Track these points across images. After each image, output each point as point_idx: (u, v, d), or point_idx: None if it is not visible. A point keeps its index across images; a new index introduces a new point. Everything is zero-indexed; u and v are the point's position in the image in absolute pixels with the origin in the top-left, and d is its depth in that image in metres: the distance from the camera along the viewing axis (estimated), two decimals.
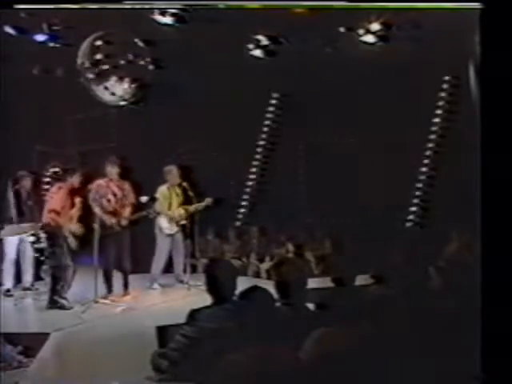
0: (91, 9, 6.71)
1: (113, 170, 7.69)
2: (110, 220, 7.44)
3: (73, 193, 7.14)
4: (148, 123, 9.81)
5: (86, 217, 7.31)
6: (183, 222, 8.31)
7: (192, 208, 8.30)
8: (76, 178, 7.19)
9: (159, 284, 8.23)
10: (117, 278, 7.70)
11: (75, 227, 6.98)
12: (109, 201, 7.56)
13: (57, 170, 7.42)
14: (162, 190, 8.36)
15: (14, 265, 7.88)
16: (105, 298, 7.34)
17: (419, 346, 2.81)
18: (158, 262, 8.26)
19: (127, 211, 7.70)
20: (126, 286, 7.75)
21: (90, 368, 4.85)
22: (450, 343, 2.86)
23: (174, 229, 8.29)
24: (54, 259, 7.09)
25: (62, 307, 6.90)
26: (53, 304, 6.93)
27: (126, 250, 7.68)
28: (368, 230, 9.17)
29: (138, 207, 7.97)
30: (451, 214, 8.40)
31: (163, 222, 8.25)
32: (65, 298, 6.99)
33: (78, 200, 7.14)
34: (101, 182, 7.62)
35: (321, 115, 9.78)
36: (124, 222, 7.58)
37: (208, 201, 8.42)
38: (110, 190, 7.62)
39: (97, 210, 7.38)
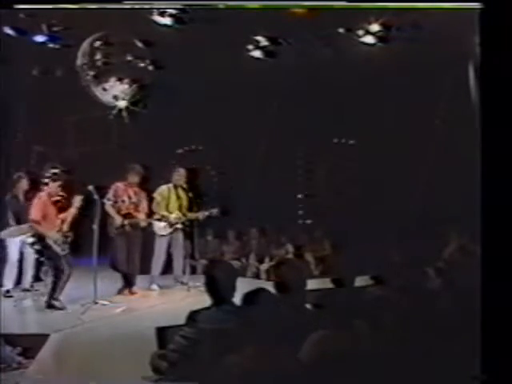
0: (91, 9, 6.70)
1: (134, 178, 7.94)
2: (122, 220, 7.68)
3: (53, 201, 7.12)
4: (147, 124, 9.81)
5: (77, 223, 7.34)
6: (178, 225, 8.30)
7: (193, 216, 8.30)
8: (53, 186, 7.15)
9: (158, 285, 8.22)
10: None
11: (56, 236, 6.98)
12: (123, 201, 7.81)
13: (56, 171, 7.41)
14: (161, 190, 8.37)
15: (15, 266, 7.87)
16: (120, 292, 7.71)
17: (419, 347, 2.81)
18: (157, 263, 8.26)
19: (142, 218, 7.95)
20: (131, 285, 7.89)
21: (89, 369, 4.85)
22: (449, 344, 2.85)
23: (168, 230, 8.27)
24: (48, 263, 7.23)
25: (58, 308, 6.95)
26: (49, 306, 6.96)
27: (137, 252, 7.89)
28: (368, 230, 9.17)
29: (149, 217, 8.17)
30: (451, 214, 8.40)
31: (158, 223, 8.25)
32: (58, 300, 7.00)
33: (70, 210, 7.12)
34: (119, 184, 7.91)
35: (320, 116, 9.79)
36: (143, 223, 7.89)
37: (213, 212, 8.42)
38: (126, 193, 7.88)
39: (110, 209, 7.65)
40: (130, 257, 7.81)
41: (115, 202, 7.73)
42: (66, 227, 7.08)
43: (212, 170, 10.85)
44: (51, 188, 7.14)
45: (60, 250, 7.01)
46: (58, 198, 7.16)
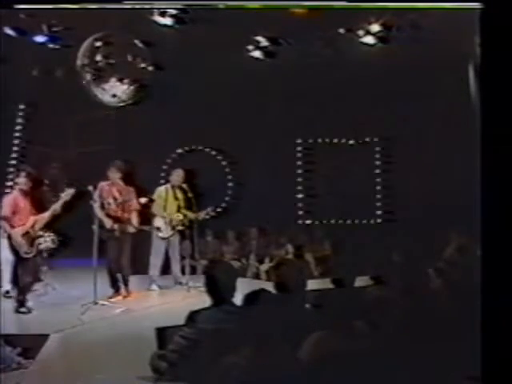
0: (91, 9, 6.71)
1: (115, 175, 7.65)
2: (111, 224, 7.40)
3: (24, 196, 6.93)
4: (147, 124, 9.80)
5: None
6: (180, 227, 8.25)
7: (193, 216, 8.26)
8: (21, 179, 6.98)
9: (158, 285, 8.21)
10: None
11: (19, 238, 6.77)
12: (109, 204, 7.52)
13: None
14: (159, 191, 8.32)
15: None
16: (110, 298, 7.39)
17: (419, 347, 2.80)
18: (155, 264, 8.23)
19: (133, 217, 7.68)
20: (126, 286, 7.71)
21: (89, 369, 4.84)
22: (449, 344, 2.85)
23: (169, 232, 8.24)
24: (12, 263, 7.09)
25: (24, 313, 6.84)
26: (17, 312, 6.86)
27: (126, 254, 7.63)
28: (368, 231, 9.17)
29: (142, 213, 7.93)
30: (451, 214, 8.39)
31: (159, 224, 8.22)
32: (24, 306, 6.88)
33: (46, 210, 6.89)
34: (103, 184, 7.60)
35: (320, 116, 9.78)
36: (131, 229, 7.58)
37: (208, 210, 8.42)
38: (111, 194, 7.58)
39: (98, 211, 7.30)
40: (120, 258, 7.55)
41: (101, 203, 7.39)
42: (38, 227, 6.83)
43: (211, 170, 10.83)
44: (20, 183, 6.96)
45: (23, 253, 6.80)
46: (30, 190, 6.93)
